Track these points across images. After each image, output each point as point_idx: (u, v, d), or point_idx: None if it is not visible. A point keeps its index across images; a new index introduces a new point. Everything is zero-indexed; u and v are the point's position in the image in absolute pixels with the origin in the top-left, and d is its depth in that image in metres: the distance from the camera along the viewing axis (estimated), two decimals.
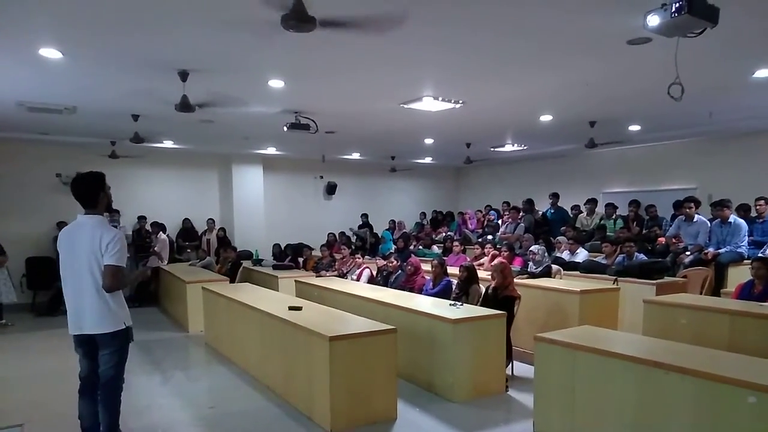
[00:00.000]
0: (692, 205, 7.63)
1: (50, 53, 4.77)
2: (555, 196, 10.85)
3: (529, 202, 10.76)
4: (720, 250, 7.06)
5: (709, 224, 7.50)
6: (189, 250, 11.28)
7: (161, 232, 10.45)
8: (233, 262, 9.86)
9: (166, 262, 10.28)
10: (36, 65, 5.13)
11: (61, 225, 7.66)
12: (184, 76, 5.41)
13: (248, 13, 3.87)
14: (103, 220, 3.58)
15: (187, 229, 11.54)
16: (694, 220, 7.56)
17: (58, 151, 10.13)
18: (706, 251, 7.13)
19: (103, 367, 3.55)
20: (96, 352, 3.58)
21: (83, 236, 3.47)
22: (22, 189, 9.79)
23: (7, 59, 5.02)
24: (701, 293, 6.62)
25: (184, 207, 11.67)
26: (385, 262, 8.04)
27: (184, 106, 5.77)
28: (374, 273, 8.23)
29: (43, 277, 9.59)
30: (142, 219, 10.80)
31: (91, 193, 3.53)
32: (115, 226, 4.26)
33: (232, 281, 8.82)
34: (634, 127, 8.85)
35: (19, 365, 5.86)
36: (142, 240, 10.61)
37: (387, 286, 7.34)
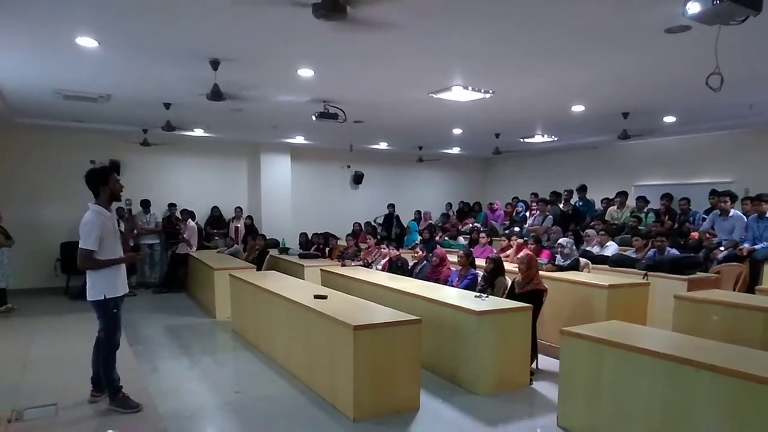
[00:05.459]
0: (727, 199, 7.42)
1: (87, 42, 4.87)
2: (582, 189, 10.68)
3: (555, 194, 10.62)
4: (756, 246, 6.85)
5: (745, 219, 7.29)
6: (217, 238, 11.47)
7: (190, 220, 10.61)
8: (260, 250, 9.98)
9: (195, 248, 10.46)
10: (73, 54, 5.24)
11: None
12: (215, 64, 5.47)
13: (280, 1, 3.88)
14: (95, 208, 4.03)
15: (216, 217, 11.71)
16: (730, 214, 7.34)
17: (92, 139, 10.39)
18: (741, 247, 6.94)
19: (99, 328, 4.19)
20: None
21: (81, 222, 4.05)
22: (57, 175, 10.03)
23: (46, 48, 5.15)
24: (734, 290, 6.44)
25: (213, 195, 11.83)
26: (398, 253, 8.13)
27: (215, 94, 5.83)
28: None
29: (76, 262, 9.81)
30: (172, 206, 10.98)
31: (92, 186, 4.05)
32: (122, 215, 4.54)
33: (259, 269, 8.92)
34: (669, 119, 8.62)
35: (53, 347, 6.04)
36: (171, 227, 10.79)
37: (409, 276, 7.31)
